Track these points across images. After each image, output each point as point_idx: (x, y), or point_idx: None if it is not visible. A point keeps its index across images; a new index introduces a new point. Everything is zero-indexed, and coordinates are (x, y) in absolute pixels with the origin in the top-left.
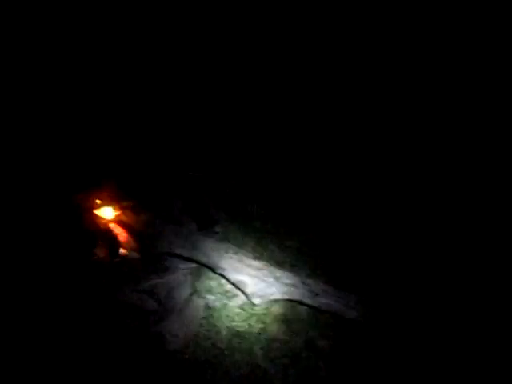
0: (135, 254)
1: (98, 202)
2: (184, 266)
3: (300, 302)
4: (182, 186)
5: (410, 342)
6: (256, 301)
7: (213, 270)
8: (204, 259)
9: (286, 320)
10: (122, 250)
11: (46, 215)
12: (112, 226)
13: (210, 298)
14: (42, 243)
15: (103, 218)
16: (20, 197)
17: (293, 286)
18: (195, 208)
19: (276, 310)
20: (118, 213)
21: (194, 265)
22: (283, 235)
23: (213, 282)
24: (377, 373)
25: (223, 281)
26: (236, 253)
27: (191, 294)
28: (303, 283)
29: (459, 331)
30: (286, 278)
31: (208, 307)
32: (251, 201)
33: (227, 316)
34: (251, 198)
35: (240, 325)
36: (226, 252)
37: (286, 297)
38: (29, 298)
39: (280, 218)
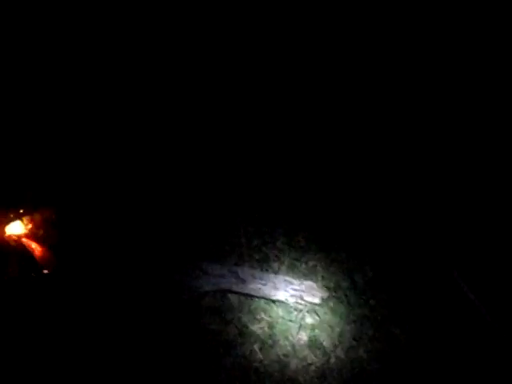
0: (50, 268)
1: (6, 216)
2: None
3: (230, 291)
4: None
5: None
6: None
7: None
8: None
9: (218, 311)
10: (37, 266)
11: None
12: (24, 241)
13: None
14: None
15: (13, 234)
16: None
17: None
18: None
19: (206, 302)
20: (29, 226)
21: None
22: None
23: None
24: (312, 352)
25: None
26: None
27: None
28: (230, 271)
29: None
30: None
31: None
32: None
33: None
34: None
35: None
36: None
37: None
38: None
39: None
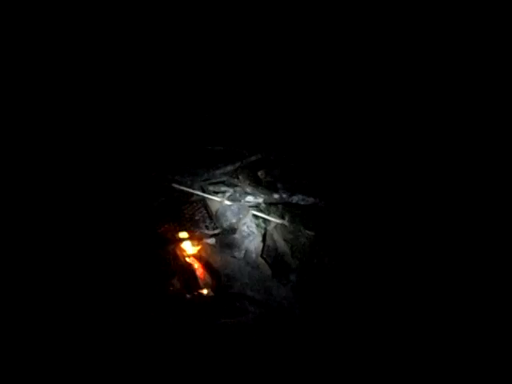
0: (209, 291)
1: (180, 234)
2: (254, 310)
3: None
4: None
5: None
6: None
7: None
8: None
9: None
10: (198, 286)
11: (131, 240)
12: (191, 260)
13: None
14: (124, 270)
15: (184, 251)
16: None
17: None
18: (272, 255)
19: None
20: (198, 247)
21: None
22: None
23: None
24: None
25: None
26: None
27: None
28: None
29: None
30: None
31: None
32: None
33: None
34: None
35: None
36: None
37: None
38: (102, 324)
39: None
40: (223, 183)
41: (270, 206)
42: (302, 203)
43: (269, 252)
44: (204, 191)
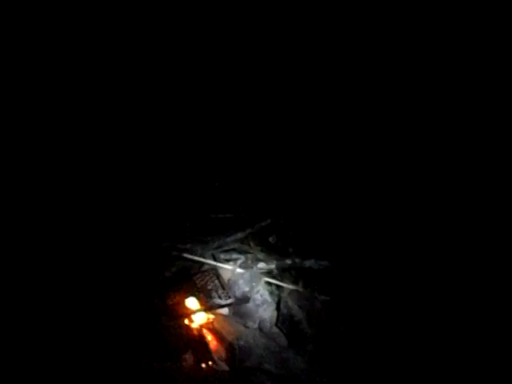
0: (224, 365)
1: (193, 305)
2: None
3: None
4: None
5: None
6: None
7: None
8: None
9: None
10: (212, 360)
11: (142, 314)
12: (204, 332)
13: None
14: (134, 345)
15: (196, 323)
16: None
17: None
18: (287, 323)
19: None
20: (211, 318)
21: None
22: None
23: None
24: None
25: None
26: None
27: None
28: None
29: None
30: None
31: None
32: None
33: None
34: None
35: None
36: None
37: None
38: None
39: None
40: (234, 250)
41: (282, 272)
42: (316, 267)
43: (284, 320)
44: (215, 259)
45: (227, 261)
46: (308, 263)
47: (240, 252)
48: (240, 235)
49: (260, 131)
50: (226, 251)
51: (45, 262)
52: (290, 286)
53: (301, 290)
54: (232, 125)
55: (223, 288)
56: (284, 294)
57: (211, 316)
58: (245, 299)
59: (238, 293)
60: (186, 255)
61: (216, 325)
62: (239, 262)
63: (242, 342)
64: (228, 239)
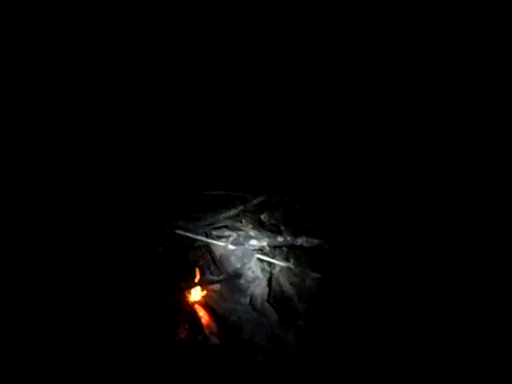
0: (215, 340)
1: (185, 280)
2: (262, 358)
3: None
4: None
5: None
6: None
7: None
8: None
9: None
10: (204, 335)
11: (134, 288)
12: (196, 307)
13: None
14: (126, 318)
15: (190, 298)
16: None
17: None
18: (278, 299)
19: None
20: (204, 294)
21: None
22: None
23: None
24: None
25: None
26: None
27: None
28: None
29: None
30: None
31: None
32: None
33: None
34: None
35: None
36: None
37: None
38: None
39: None
40: (227, 227)
41: (274, 249)
42: (307, 245)
43: (275, 297)
44: (207, 236)
45: (219, 237)
46: (299, 241)
47: (232, 229)
48: (232, 212)
49: (253, 110)
50: (219, 228)
51: (41, 244)
52: (282, 263)
53: (292, 267)
54: (225, 104)
55: (215, 264)
56: (275, 271)
57: (203, 292)
58: (236, 275)
59: (230, 269)
60: (178, 231)
61: (208, 300)
62: (231, 238)
63: (233, 317)
64: (220, 216)
